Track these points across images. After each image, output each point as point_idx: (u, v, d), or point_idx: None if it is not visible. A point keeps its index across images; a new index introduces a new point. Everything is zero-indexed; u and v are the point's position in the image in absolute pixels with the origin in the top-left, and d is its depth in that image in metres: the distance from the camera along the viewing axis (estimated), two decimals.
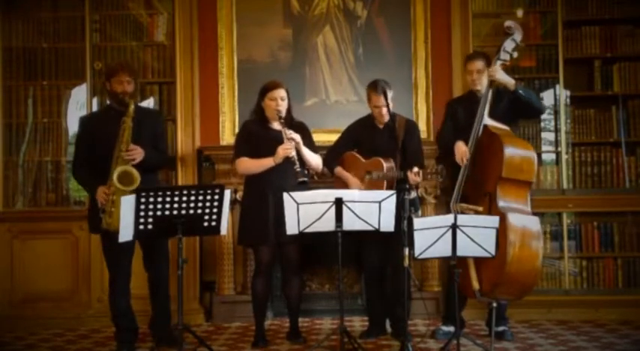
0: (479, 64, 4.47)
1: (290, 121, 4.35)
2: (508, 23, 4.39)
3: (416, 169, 4.01)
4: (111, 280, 4.27)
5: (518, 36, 4.35)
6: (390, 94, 4.37)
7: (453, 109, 4.61)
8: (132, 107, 4.15)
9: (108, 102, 4.47)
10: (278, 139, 4.25)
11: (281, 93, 4.31)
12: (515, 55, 4.40)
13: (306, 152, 4.34)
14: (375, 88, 4.38)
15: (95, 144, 4.21)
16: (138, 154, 4.13)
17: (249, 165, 4.34)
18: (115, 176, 4.06)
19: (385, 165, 4.34)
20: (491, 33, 5.37)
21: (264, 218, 4.26)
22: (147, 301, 4.42)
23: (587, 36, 5.28)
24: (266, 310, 4.56)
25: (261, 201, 4.28)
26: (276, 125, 4.34)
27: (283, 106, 4.30)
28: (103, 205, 4.08)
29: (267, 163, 4.27)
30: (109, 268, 4.27)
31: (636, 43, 5.27)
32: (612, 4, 5.26)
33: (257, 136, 4.35)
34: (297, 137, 4.27)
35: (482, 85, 4.45)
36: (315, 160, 4.43)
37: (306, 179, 4.12)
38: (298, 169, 4.11)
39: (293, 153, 4.18)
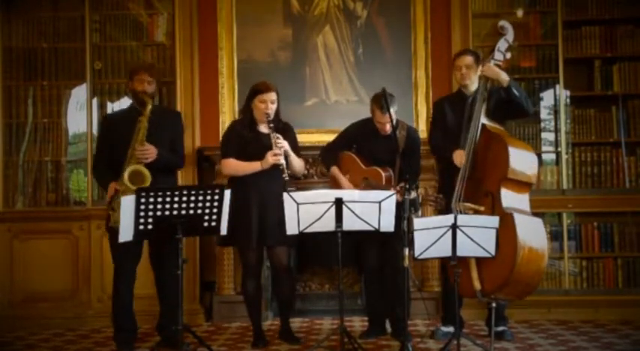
0: (467, 59, 4.43)
1: (277, 123, 4.31)
2: (501, 23, 4.37)
3: (400, 185, 4.01)
4: (115, 278, 4.27)
5: (510, 36, 4.32)
6: (394, 109, 4.32)
7: (441, 109, 4.56)
8: (149, 107, 4.20)
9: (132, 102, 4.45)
10: (265, 142, 4.23)
11: (272, 96, 4.27)
12: (509, 55, 4.37)
13: (293, 159, 4.32)
14: (379, 105, 4.31)
15: (114, 142, 4.24)
16: (150, 153, 4.16)
17: (236, 167, 4.31)
18: (126, 175, 4.08)
19: (384, 175, 4.33)
20: (491, 33, 5.35)
21: (248, 224, 4.22)
22: (150, 301, 4.42)
23: (587, 36, 5.28)
24: (260, 310, 4.54)
25: (245, 205, 4.24)
26: (263, 128, 4.31)
27: (272, 109, 4.26)
28: (112, 200, 4.09)
29: (254, 167, 4.24)
30: (115, 266, 4.27)
31: (636, 43, 5.26)
32: (612, 4, 5.26)
33: (244, 137, 4.32)
34: (286, 145, 4.26)
35: (470, 80, 4.43)
36: (298, 164, 4.41)
37: (293, 188, 4.09)
38: (287, 178, 4.11)
39: (282, 161, 4.17)
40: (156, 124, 4.23)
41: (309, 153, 4.98)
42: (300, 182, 5.06)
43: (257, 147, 4.26)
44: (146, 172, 4.12)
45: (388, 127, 4.34)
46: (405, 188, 3.89)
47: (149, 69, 4.37)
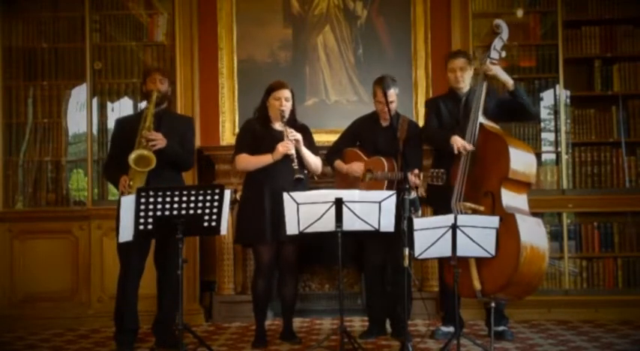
0: (461, 61, 4.44)
1: (293, 123, 4.35)
2: (496, 22, 4.41)
3: (417, 171, 4.04)
4: (122, 275, 4.25)
5: (505, 35, 4.36)
6: (395, 91, 4.38)
7: (436, 107, 4.54)
8: (155, 95, 4.22)
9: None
10: (279, 139, 4.25)
11: (286, 93, 4.31)
12: (504, 54, 4.40)
13: (306, 153, 4.34)
14: (380, 83, 4.38)
15: (127, 145, 4.23)
16: (159, 140, 4.16)
17: (248, 161, 4.34)
18: (131, 158, 4.08)
19: (386, 164, 4.34)
20: (491, 33, 5.35)
21: (261, 217, 4.25)
22: (151, 300, 4.42)
23: (587, 36, 5.28)
24: (266, 311, 4.56)
25: (258, 200, 4.27)
26: (278, 126, 4.34)
27: (287, 107, 4.30)
28: (123, 194, 4.09)
29: (265, 159, 4.26)
30: (121, 262, 4.26)
31: (636, 43, 5.27)
32: (612, 4, 5.26)
33: (259, 134, 4.36)
34: (298, 136, 4.28)
35: (465, 82, 4.45)
36: (314, 161, 4.41)
37: (302, 176, 4.12)
38: (296, 167, 4.12)
39: (292, 151, 4.18)
40: (166, 125, 4.26)
41: None
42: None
43: (271, 144, 4.27)
44: (151, 155, 4.11)
45: (386, 108, 4.34)
46: (406, 189, 3.90)
47: (160, 69, 4.48)
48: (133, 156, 4.10)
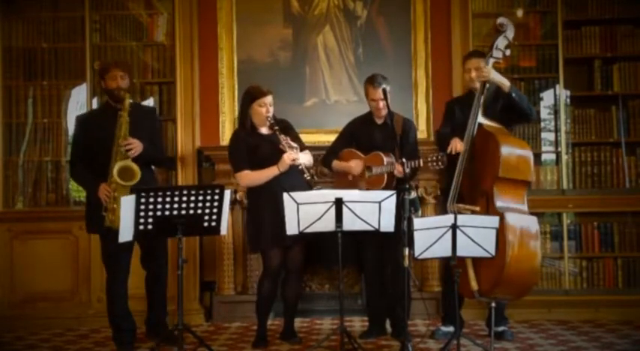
0: (477, 61, 4.41)
1: (280, 124, 4.31)
2: (500, 20, 4.35)
3: (404, 159, 4.04)
4: (109, 280, 4.28)
5: (510, 33, 4.29)
6: (387, 88, 4.36)
7: (451, 109, 4.57)
8: (128, 101, 4.19)
9: (105, 100, 4.47)
10: (272, 142, 4.24)
11: (270, 99, 4.28)
12: (508, 53, 4.34)
13: (301, 155, 4.31)
14: (372, 82, 4.40)
15: (92, 142, 4.23)
16: (136, 146, 4.14)
17: (254, 177, 4.28)
18: (115, 171, 4.07)
19: (385, 159, 4.34)
20: (492, 33, 5.34)
21: (279, 221, 4.18)
22: (145, 300, 4.42)
23: (587, 36, 5.28)
24: (270, 312, 4.55)
25: (274, 204, 4.17)
26: (264, 130, 4.33)
27: (272, 112, 4.29)
28: (107, 203, 4.09)
29: (272, 172, 4.22)
30: (107, 268, 4.28)
31: (636, 43, 5.26)
32: (612, 4, 5.26)
33: (252, 144, 4.31)
34: (295, 146, 4.26)
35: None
36: (308, 158, 4.40)
37: (320, 187, 4.11)
38: (308, 177, 4.12)
39: (299, 161, 4.17)
40: (133, 121, 4.20)
41: None
42: None
43: (266, 150, 4.26)
44: (135, 167, 4.11)
45: (382, 105, 4.34)
46: (406, 189, 3.90)
47: (119, 64, 4.37)
48: (116, 169, 4.08)
